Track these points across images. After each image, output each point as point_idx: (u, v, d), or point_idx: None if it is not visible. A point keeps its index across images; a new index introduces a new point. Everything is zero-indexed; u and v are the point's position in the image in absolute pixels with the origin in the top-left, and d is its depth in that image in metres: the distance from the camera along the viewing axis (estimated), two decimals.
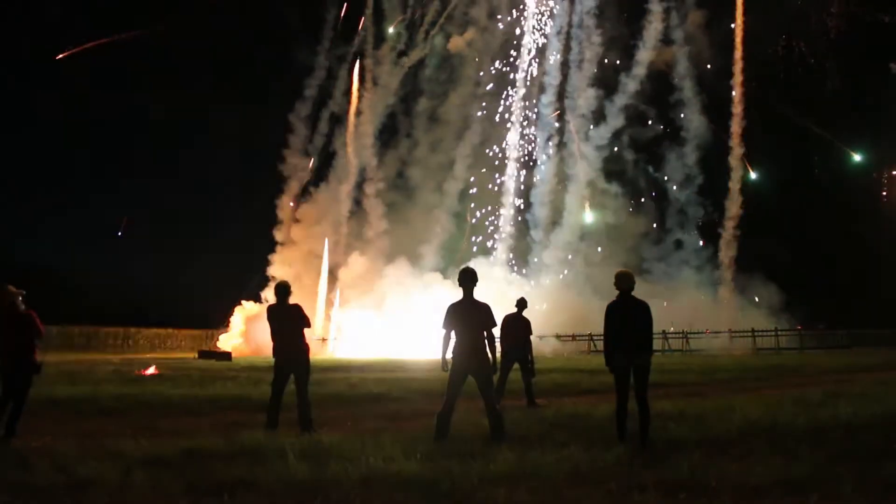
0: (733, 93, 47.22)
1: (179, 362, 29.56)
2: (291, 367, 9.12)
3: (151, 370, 21.56)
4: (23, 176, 56.52)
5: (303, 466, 6.31)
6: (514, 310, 12.51)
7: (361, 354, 41.61)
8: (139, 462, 6.59)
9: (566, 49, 50.77)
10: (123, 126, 58.64)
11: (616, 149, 49.11)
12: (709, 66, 47.93)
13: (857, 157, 47.87)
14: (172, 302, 56.48)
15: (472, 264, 9.80)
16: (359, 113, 53.86)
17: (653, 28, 48.11)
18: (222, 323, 52.55)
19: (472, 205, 52.05)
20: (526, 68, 52.17)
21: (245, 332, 48.82)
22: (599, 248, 47.43)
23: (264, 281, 49.81)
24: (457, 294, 8.32)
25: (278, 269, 50.36)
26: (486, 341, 8.10)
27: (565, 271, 46.67)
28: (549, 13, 51.79)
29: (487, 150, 52.00)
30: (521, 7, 52.55)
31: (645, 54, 48.13)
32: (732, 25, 47.66)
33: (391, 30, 53.48)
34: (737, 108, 46.93)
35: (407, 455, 6.85)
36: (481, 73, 52.58)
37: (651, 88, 48.76)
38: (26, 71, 57.42)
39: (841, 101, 47.14)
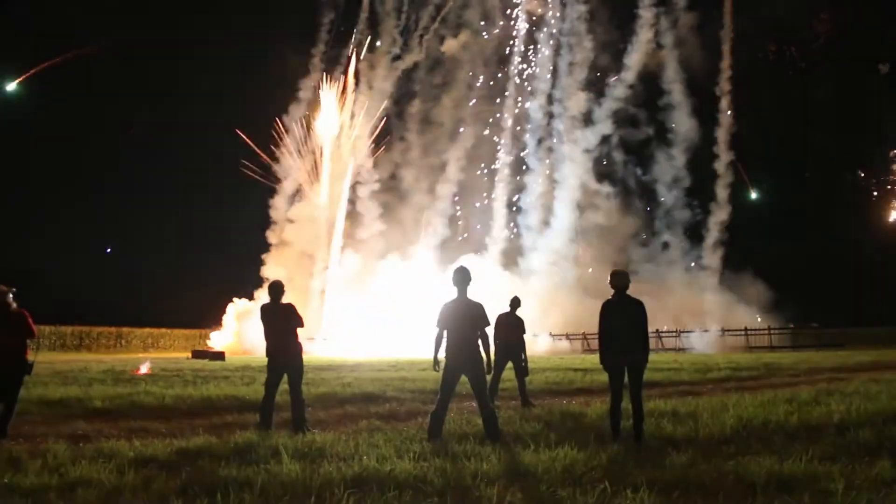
0: (722, 101, 47.70)
1: (173, 362, 29.45)
2: (285, 367, 9.10)
3: (146, 368, 21.46)
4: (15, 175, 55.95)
5: (296, 466, 6.30)
6: (508, 309, 12.50)
7: (351, 354, 41.64)
8: (132, 463, 6.56)
9: (557, 53, 51.25)
10: (119, 125, 58.26)
11: (606, 151, 49.77)
12: (699, 69, 48.33)
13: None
14: (166, 302, 56.29)
15: (464, 263, 9.79)
16: (352, 115, 54.01)
17: (643, 32, 48.58)
18: (216, 323, 52.51)
19: (461, 208, 52.34)
20: (517, 72, 52.66)
21: (237, 331, 48.78)
22: (590, 249, 47.74)
23: (258, 281, 49.98)
24: (450, 293, 8.32)
25: (272, 269, 50.40)
26: (479, 340, 8.10)
27: (556, 271, 46.81)
28: (541, 18, 52.16)
29: (480, 153, 52.45)
30: (514, 11, 52.93)
31: (635, 58, 48.53)
32: (721, 34, 48.07)
33: (378, 43, 53.61)
34: (724, 117, 47.32)
35: (400, 454, 6.85)
36: (472, 76, 52.96)
37: (642, 91, 49.26)
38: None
39: (832, 104, 47.44)
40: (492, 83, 53.47)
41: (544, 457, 6.64)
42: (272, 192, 54.45)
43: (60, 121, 55.46)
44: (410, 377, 17.57)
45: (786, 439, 7.60)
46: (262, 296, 44.49)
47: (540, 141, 51.99)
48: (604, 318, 7.95)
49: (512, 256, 50.28)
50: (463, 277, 8.21)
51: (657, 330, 37.26)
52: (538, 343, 38.42)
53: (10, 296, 8.56)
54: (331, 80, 54.57)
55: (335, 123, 54.30)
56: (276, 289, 9.24)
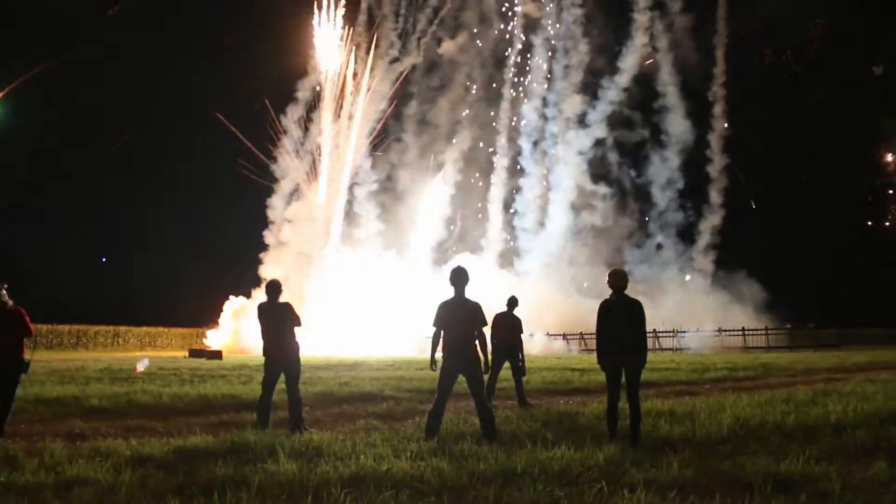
0: (715, 105, 47.96)
1: (170, 361, 29.41)
2: (282, 366, 9.09)
3: (143, 365, 21.39)
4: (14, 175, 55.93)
5: (293, 465, 6.29)
6: (504, 308, 12.50)
7: (350, 352, 41.67)
8: (129, 461, 6.56)
9: (553, 55, 51.78)
10: (115, 124, 58.19)
11: (601, 153, 50.12)
12: (694, 71, 48.76)
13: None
14: (163, 301, 56.22)
15: (460, 263, 9.81)
16: (350, 117, 54.20)
17: (638, 35, 48.98)
18: (213, 322, 52.48)
19: (457, 209, 52.66)
20: (514, 74, 53.19)
21: (234, 330, 48.78)
22: (584, 250, 48.04)
23: (256, 280, 50.03)
24: (447, 292, 8.33)
25: (269, 268, 50.49)
26: (476, 340, 8.10)
27: (551, 271, 47.01)
28: (537, 21, 52.56)
29: (476, 154, 53.03)
30: (511, 14, 53.45)
31: (630, 60, 48.95)
32: (715, 38, 48.42)
33: (375, 45, 53.85)
34: (718, 121, 47.64)
35: (397, 454, 6.85)
36: (469, 78, 53.40)
37: (636, 93, 49.60)
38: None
39: (828, 106, 47.61)
40: (489, 85, 54.03)
41: (541, 457, 6.65)
42: (269, 191, 54.54)
43: (60, 120, 55.45)
44: (408, 376, 17.57)
45: (783, 439, 7.61)
46: (260, 294, 44.74)
47: (535, 143, 52.46)
48: (602, 318, 7.94)
49: (507, 257, 50.63)
50: (460, 277, 8.21)
51: (654, 330, 37.34)
52: (534, 342, 38.52)
53: (4, 292, 8.51)
54: (329, 81, 54.73)
55: (333, 123, 54.47)
56: (274, 288, 9.23)
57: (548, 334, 41.08)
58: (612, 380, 7.87)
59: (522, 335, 12.40)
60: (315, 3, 54.07)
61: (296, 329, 9.20)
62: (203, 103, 54.34)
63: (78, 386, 14.54)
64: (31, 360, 8.66)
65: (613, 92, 48.79)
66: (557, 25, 50.92)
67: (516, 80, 53.23)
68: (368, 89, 54.09)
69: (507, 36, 53.53)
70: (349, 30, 54.58)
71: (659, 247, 48.15)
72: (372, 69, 54.17)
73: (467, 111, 53.07)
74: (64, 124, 55.87)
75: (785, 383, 16.22)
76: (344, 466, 6.24)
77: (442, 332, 8.17)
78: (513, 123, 53.06)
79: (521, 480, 5.86)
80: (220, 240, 57.82)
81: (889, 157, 49.97)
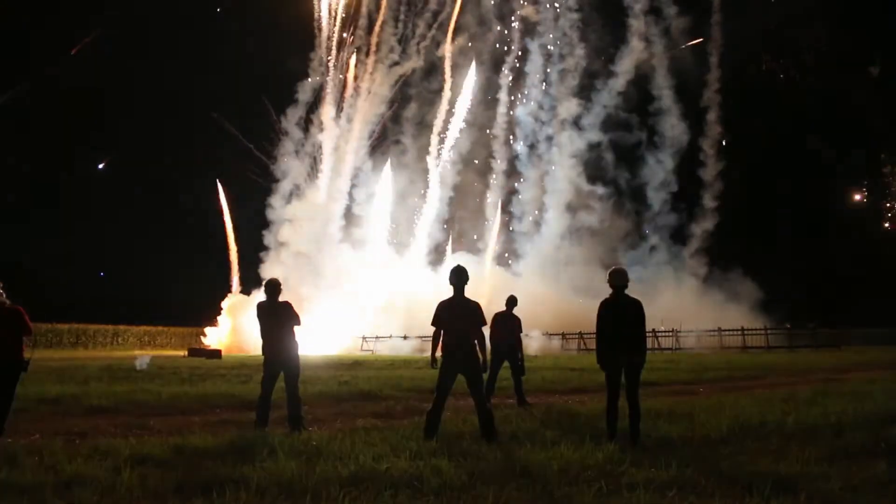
0: (710, 111, 48.41)
1: (169, 360, 29.43)
2: (281, 365, 9.09)
3: (144, 363, 21.36)
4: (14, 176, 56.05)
5: (292, 464, 6.29)
6: (504, 307, 12.51)
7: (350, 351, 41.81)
8: (128, 460, 6.55)
9: (550, 59, 52.29)
10: (115, 123, 58.24)
11: (597, 155, 50.62)
12: (689, 75, 49.10)
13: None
14: (162, 300, 56.28)
15: (459, 262, 9.82)
16: (350, 118, 54.54)
17: (634, 40, 49.39)
18: (212, 322, 52.56)
19: (455, 209, 53.08)
20: (512, 76, 53.80)
21: (233, 328, 48.87)
22: (581, 250, 48.37)
23: (255, 279, 50.25)
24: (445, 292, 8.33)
25: (269, 268, 50.67)
26: (475, 339, 8.10)
27: (547, 271, 47.25)
28: (535, 25, 53.10)
29: (474, 155, 53.67)
30: (509, 18, 54.07)
31: (626, 64, 49.36)
32: (709, 46, 48.75)
33: (376, 48, 54.03)
34: (712, 126, 47.92)
35: (396, 453, 6.85)
36: (468, 81, 53.70)
37: (633, 96, 50.01)
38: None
39: (825, 108, 47.75)
40: (487, 88, 54.61)
41: (541, 456, 6.65)
42: (269, 191, 54.83)
43: (59, 120, 55.56)
44: (407, 375, 17.59)
45: (782, 440, 7.61)
46: (258, 293, 44.92)
47: (532, 145, 53.08)
48: (601, 317, 7.93)
49: (504, 257, 51.04)
50: (460, 276, 8.21)
51: (653, 330, 37.41)
52: (529, 342, 38.56)
53: (0, 290, 8.48)
54: (329, 84, 55.05)
55: (333, 126, 54.72)
56: (273, 287, 9.23)
57: (547, 334, 41.10)
58: (611, 379, 7.87)
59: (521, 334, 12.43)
60: (315, 6, 54.49)
61: (295, 328, 9.20)
62: (203, 103, 54.65)
63: (77, 385, 14.56)
64: (30, 358, 8.64)
65: (609, 95, 49.36)
66: (554, 29, 51.38)
67: (514, 82, 53.92)
68: (369, 92, 54.41)
69: (506, 40, 54.36)
70: (349, 33, 55.02)
71: (653, 248, 48.45)
72: (371, 72, 54.48)
73: (465, 114, 53.59)
74: (65, 124, 56.01)
75: (784, 383, 16.22)
76: (343, 466, 6.24)
77: (442, 332, 8.17)
78: (510, 125, 53.76)
79: (521, 480, 5.86)
80: (220, 239, 57.88)
81: (885, 157, 50.02)
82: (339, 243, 53.03)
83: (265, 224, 54.12)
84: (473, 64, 53.62)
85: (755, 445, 7.34)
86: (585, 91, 50.66)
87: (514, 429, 8.56)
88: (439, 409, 8.05)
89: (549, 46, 51.80)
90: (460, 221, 53.45)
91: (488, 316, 8.85)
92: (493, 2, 53.59)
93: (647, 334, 8.31)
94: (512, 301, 12.59)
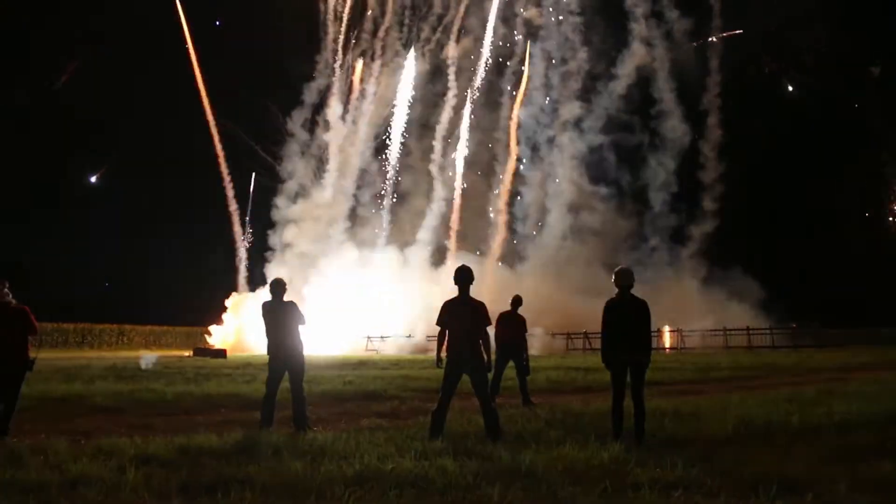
0: (710, 114, 48.65)
1: (174, 359, 29.47)
2: (286, 365, 9.09)
3: (149, 362, 21.39)
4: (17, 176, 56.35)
5: (297, 464, 6.30)
6: (509, 307, 12.49)
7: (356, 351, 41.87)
8: (133, 460, 6.56)
9: (552, 61, 52.70)
10: (119, 123, 58.40)
11: (599, 157, 51.05)
12: (691, 77, 49.43)
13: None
14: (167, 300, 56.45)
15: (462, 262, 9.82)
16: (355, 121, 54.90)
17: (636, 42, 49.86)
18: (217, 321, 52.76)
19: (460, 209, 53.31)
20: (515, 78, 54.40)
21: (238, 328, 49.05)
22: (583, 250, 48.63)
23: (261, 279, 50.61)
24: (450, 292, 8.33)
25: (274, 268, 50.98)
26: (480, 339, 8.10)
27: (550, 271, 47.42)
28: (538, 27, 53.50)
29: (478, 156, 54.12)
30: (512, 21, 54.55)
31: (628, 66, 49.74)
32: (712, 39, 48.96)
33: (381, 51, 54.35)
34: (712, 130, 48.13)
35: (402, 453, 6.84)
36: (472, 82, 54.19)
37: (635, 97, 50.38)
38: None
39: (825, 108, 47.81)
40: (491, 90, 54.99)
41: (545, 456, 6.64)
42: (275, 191, 55.26)
43: (62, 121, 55.79)
44: (412, 375, 17.59)
45: (788, 439, 7.59)
46: (263, 292, 45.12)
47: (535, 146, 53.48)
48: (607, 317, 7.92)
49: (507, 256, 51.26)
50: (465, 276, 8.20)
51: (658, 329, 37.48)
52: (532, 341, 38.60)
53: (6, 290, 8.51)
54: (335, 85, 55.41)
55: (339, 126, 55.02)
56: (278, 286, 9.23)
57: (551, 334, 41.12)
58: (616, 378, 7.86)
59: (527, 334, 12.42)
60: (321, 9, 54.87)
61: (300, 328, 9.21)
62: (212, 104, 55.01)
63: (83, 384, 14.59)
64: (36, 358, 8.67)
65: (612, 97, 49.87)
66: (557, 32, 51.76)
67: (517, 84, 54.46)
68: (374, 94, 54.73)
69: (509, 42, 54.91)
70: (354, 36, 55.45)
71: (654, 249, 48.66)
72: (377, 75, 54.89)
73: (470, 115, 53.97)
74: (70, 125, 56.23)
75: (790, 383, 16.17)
76: (348, 465, 6.24)
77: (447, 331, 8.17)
78: (513, 127, 54.02)
79: (526, 480, 5.85)
80: (225, 239, 58.04)
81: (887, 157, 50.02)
82: (343, 243, 53.24)
83: (271, 224, 54.58)
84: (479, 66, 54.03)
85: (761, 445, 7.32)
86: (588, 93, 51.23)
87: (519, 429, 8.55)
88: (444, 409, 8.04)
89: (551, 49, 52.29)
90: (464, 221, 53.65)
91: (493, 316, 8.84)
92: (496, 5, 53.90)
93: (652, 334, 8.29)
94: (517, 301, 12.58)
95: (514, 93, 53.94)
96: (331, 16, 55.24)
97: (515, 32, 54.25)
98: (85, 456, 6.71)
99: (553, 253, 48.79)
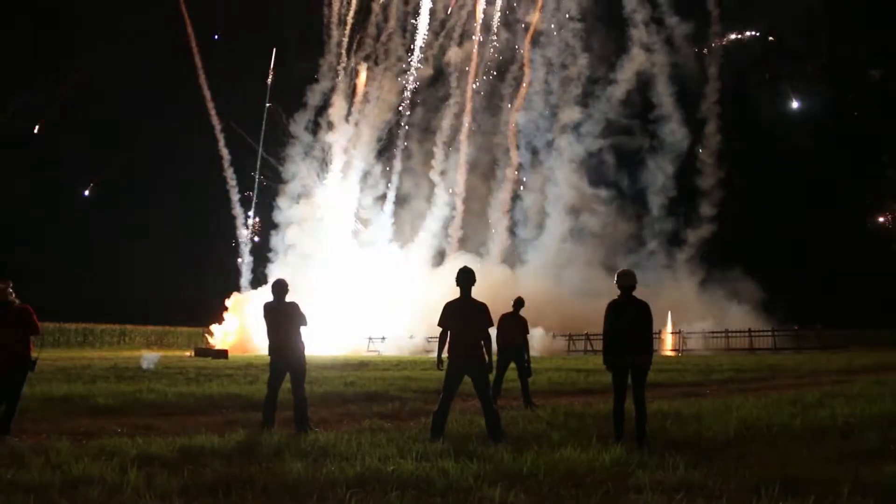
0: (709, 120, 48.94)
1: (176, 360, 29.48)
2: (287, 366, 9.09)
3: (151, 362, 21.38)
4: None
5: (298, 465, 6.29)
6: (511, 309, 12.48)
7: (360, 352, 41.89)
8: (135, 460, 6.56)
9: (553, 66, 53.06)
10: (124, 124, 58.55)
11: (598, 160, 51.35)
12: (691, 81, 49.72)
13: None
14: (169, 300, 56.50)
15: (462, 263, 9.83)
16: (356, 124, 55.26)
17: (635, 47, 50.20)
18: (218, 321, 52.88)
19: (460, 211, 53.51)
20: (516, 83, 54.76)
21: (240, 328, 49.17)
22: (582, 253, 48.86)
23: (262, 279, 50.82)
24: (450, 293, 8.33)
25: (276, 268, 51.26)
26: (482, 340, 8.09)
27: (549, 273, 47.58)
28: (539, 33, 53.81)
29: (479, 159, 54.56)
30: (513, 26, 55.02)
31: (628, 71, 50.06)
32: (714, 44, 49.32)
33: (383, 55, 54.62)
34: (711, 137, 48.41)
35: (403, 454, 6.84)
36: (474, 87, 54.50)
37: (635, 102, 50.74)
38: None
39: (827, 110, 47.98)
40: (492, 94, 55.56)
41: (547, 458, 6.62)
42: (277, 192, 55.66)
43: (63, 123, 56.13)
44: (414, 376, 17.58)
45: (790, 442, 7.57)
46: (263, 291, 45.36)
47: (535, 150, 53.88)
48: (609, 318, 7.92)
49: (507, 257, 51.45)
50: (467, 277, 8.20)
51: (659, 331, 37.50)
52: (532, 341, 38.66)
53: (10, 290, 8.52)
54: (339, 87, 55.77)
55: (342, 127, 55.29)
56: (280, 287, 9.23)
57: (553, 335, 41.15)
58: (618, 380, 7.85)
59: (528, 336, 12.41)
60: (325, 13, 55.22)
61: (302, 328, 9.21)
62: (215, 107, 55.32)
63: (84, 384, 14.59)
64: (38, 358, 8.67)
65: (612, 101, 50.33)
66: (558, 37, 52.13)
67: (518, 88, 54.77)
68: (377, 97, 55.08)
69: (510, 47, 55.46)
70: (357, 40, 55.88)
71: (652, 253, 48.90)
72: (378, 79, 55.22)
73: (470, 118, 54.57)
74: (69, 125, 56.51)
75: (792, 385, 16.13)
76: (349, 467, 6.23)
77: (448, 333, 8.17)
78: (514, 130, 54.47)
79: (527, 481, 5.84)
80: (228, 240, 58.22)
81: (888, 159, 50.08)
82: (345, 244, 53.42)
83: (273, 225, 54.87)
84: (480, 69, 54.34)
85: (763, 447, 7.31)
86: (588, 97, 51.67)
87: (521, 430, 8.55)
88: (445, 411, 8.04)
89: (552, 54, 52.72)
90: (465, 224, 53.91)
91: (495, 317, 8.83)
92: (497, 10, 54.28)
93: (654, 336, 8.28)
94: (519, 303, 12.58)
95: (515, 96, 54.42)
96: (335, 20, 55.76)
97: (516, 37, 54.77)
98: (87, 456, 6.71)
99: (552, 255, 49.02)
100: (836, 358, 28.07)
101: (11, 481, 5.80)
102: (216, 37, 56.32)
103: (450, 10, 54.37)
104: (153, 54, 55.31)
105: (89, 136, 58.13)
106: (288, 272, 47.14)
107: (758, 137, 49.65)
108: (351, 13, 55.38)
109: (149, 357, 22.34)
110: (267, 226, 56.07)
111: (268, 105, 56.02)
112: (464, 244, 52.43)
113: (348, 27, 55.50)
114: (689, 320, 41.51)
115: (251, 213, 58.77)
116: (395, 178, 54.94)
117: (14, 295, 8.57)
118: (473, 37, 54.42)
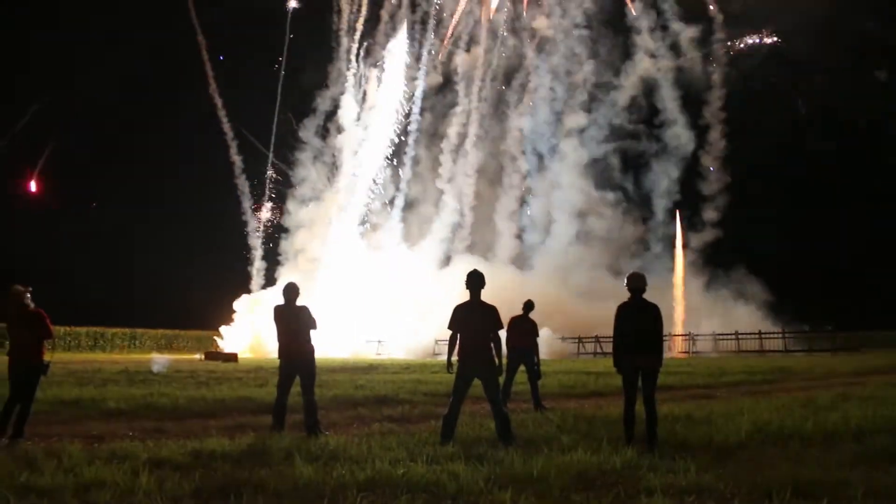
0: (714, 126, 49.07)
1: (186, 363, 29.58)
2: (297, 369, 9.11)
3: (161, 365, 21.46)
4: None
5: (309, 468, 6.30)
6: (521, 312, 12.47)
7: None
8: (146, 464, 6.59)
9: (559, 72, 53.47)
10: (131, 127, 58.90)
11: (604, 165, 51.84)
12: (697, 87, 50.11)
13: None
14: (179, 303, 56.71)
15: (468, 266, 9.84)
16: (366, 127, 55.56)
17: (641, 52, 50.75)
18: (227, 322, 53.16)
19: (468, 215, 53.85)
20: (523, 88, 55.19)
21: (250, 329, 49.40)
22: (588, 256, 48.93)
23: (271, 282, 51.11)
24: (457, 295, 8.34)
25: (285, 272, 51.56)
26: (492, 343, 8.09)
27: (556, 276, 47.64)
28: (545, 39, 54.15)
29: (486, 164, 55.10)
30: (520, 33, 55.30)
31: (634, 76, 50.67)
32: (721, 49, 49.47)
33: (393, 60, 54.83)
34: (715, 144, 48.49)
35: (413, 457, 6.84)
36: (481, 92, 54.86)
37: (640, 107, 51.20)
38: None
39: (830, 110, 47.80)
40: (499, 99, 55.99)
41: (557, 461, 6.61)
42: (286, 196, 56.12)
43: (67, 126, 56.55)
44: (423, 379, 17.58)
45: (802, 445, 7.52)
46: (270, 293, 45.61)
47: (541, 156, 54.27)
48: (619, 321, 7.90)
49: (515, 260, 51.62)
50: (476, 281, 8.20)
51: (669, 333, 37.44)
52: (541, 344, 38.68)
53: (28, 296, 8.63)
54: (347, 94, 56.25)
55: (351, 134, 55.64)
56: (291, 291, 9.25)
57: (562, 338, 41.10)
58: (628, 383, 7.83)
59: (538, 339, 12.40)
60: (335, 20, 55.67)
61: (311, 332, 9.22)
62: (224, 108, 55.75)
63: (96, 388, 14.67)
64: (50, 362, 8.73)
65: (617, 107, 50.87)
66: (565, 42, 52.40)
67: (525, 92, 55.15)
68: (385, 103, 55.41)
69: (518, 52, 55.74)
70: (365, 46, 56.33)
71: (657, 256, 49.01)
72: (387, 85, 55.50)
73: (478, 123, 54.80)
74: (88, 129, 57.06)
75: (803, 387, 16.04)
76: (360, 470, 6.23)
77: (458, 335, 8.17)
78: (521, 135, 54.86)
79: (538, 485, 5.83)
80: (238, 244, 58.51)
81: None
82: (354, 247, 53.61)
83: (283, 228, 55.27)
84: (485, 74, 54.64)
85: (774, 451, 7.27)
86: (593, 102, 52.21)
87: (531, 433, 8.53)
88: (455, 414, 8.03)
89: (558, 60, 53.07)
90: (472, 227, 54.09)
91: (504, 320, 8.83)
92: (505, 17, 54.66)
93: (664, 338, 8.26)
94: (529, 305, 12.56)
95: (522, 102, 54.65)
96: (344, 27, 56.34)
97: (523, 44, 55.06)
98: (98, 460, 6.74)
99: (559, 257, 49.17)
100: (848, 360, 27.91)
101: (25, 484, 5.83)
102: (221, 58, 56.78)
103: (457, 17, 54.67)
104: (164, 63, 55.86)
105: (99, 142, 58.65)
106: (297, 275, 47.34)
107: (763, 139, 49.64)
108: (360, 21, 55.93)
109: (159, 360, 22.43)
110: (277, 229, 56.46)
111: (277, 112, 56.33)
112: (472, 249, 52.62)
113: (357, 34, 56.03)
114: (695, 322, 41.48)
115: (261, 216, 59.10)
116: (403, 183, 55.26)
117: (30, 297, 8.66)
118: (480, 44, 54.86)
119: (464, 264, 35.85)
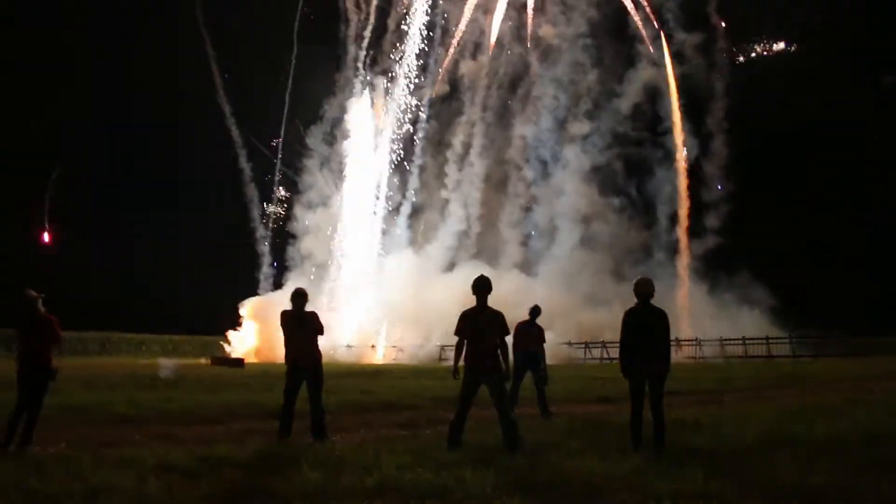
0: (716, 135, 49.04)
1: (193, 369, 29.61)
2: (304, 374, 9.12)
3: (171, 369, 21.50)
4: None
5: (316, 474, 6.30)
6: (527, 317, 12.47)
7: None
8: (154, 469, 6.60)
9: (562, 79, 53.53)
10: (139, 131, 59.22)
11: (607, 173, 51.74)
12: (700, 94, 49.93)
13: None
14: (186, 309, 56.82)
15: (473, 271, 9.87)
16: (375, 133, 56.06)
17: (644, 60, 51.00)
18: (234, 327, 53.43)
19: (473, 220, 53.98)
20: (527, 96, 55.32)
21: (257, 333, 49.56)
22: (592, 262, 49.05)
23: (279, 287, 51.35)
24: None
25: (292, 277, 51.86)
26: (498, 349, 8.08)
27: (561, 281, 47.72)
28: (550, 47, 54.21)
29: (492, 171, 54.92)
30: (523, 39, 55.26)
31: (637, 84, 50.75)
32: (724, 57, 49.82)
33: (399, 68, 55.25)
34: (718, 151, 48.60)
35: (420, 463, 6.83)
36: (486, 100, 55.32)
37: (644, 115, 51.19)
38: None
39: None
40: (504, 106, 56.11)
41: (564, 467, 6.60)
42: (293, 202, 56.55)
43: (70, 131, 57.02)
44: (430, 385, 17.57)
45: (811, 451, 7.48)
46: (277, 295, 45.75)
47: (545, 163, 54.24)
48: (626, 327, 7.88)
49: (520, 266, 51.64)
50: (483, 286, 8.20)
51: (676, 339, 37.33)
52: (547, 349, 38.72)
53: (40, 302, 8.67)
54: (355, 101, 56.55)
55: (358, 141, 55.92)
56: (300, 296, 9.27)
57: (569, 343, 41.04)
58: (635, 389, 7.81)
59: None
60: (342, 28, 56.16)
61: (319, 338, 9.24)
62: (231, 115, 56.27)
63: (103, 393, 14.70)
64: (58, 367, 8.76)
65: (620, 114, 50.91)
66: (569, 48, 52.65)
67: (528, 102, 55.32)
68: (392, 110, 55.92)
69: (523, 59, 55.76)
70: (372, 55, 56.92)
71: (660, 263, 48.97)
72: (395, 91, 55.99)
73: (483, 130, 55.12)
74: (75, 132, 57.54)
75: (812, 393, 15.96)
76: (367, 476, 6.23)
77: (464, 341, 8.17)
78: (525, 141, 54.88)
79: (545, 491, 5.82)
80: (245, 249, 58.75)
81: None
82: (360, 253, 53.82)
83: (290, 235, 55.61)
84: (490, 82, 55.07)
85: (783, 457, 7.22)
86: (597, 109, 52.14)
87: (538, 439, 8.51)
88: (462, 419, 8.02)
89: (563, 67, 53.28)
90: (477, 231, 54.20)
91: (511, 326, 8.83)
92: (509, 25, 54.94)
93: (671, 344, 8.24)
94: (535, 311, 12.55)
95: (526, 110, 54.92)
96: (352, 36, 56.81)
97: (527, 52, 55.29)
98: (107, 465, 6.76)
99: (564, 263, 49.26)
100: (857, 365, 27.74)
101: (33, 490, 5.85)
102: (227, 76, 57.32)
103: (462, 26, 54.97)
104: (172, 70, 56.21)
105: (103, 147, 59.02)
106: (304, 281, 47.48)
107: (765, 142, 49.65)
108: (368, 29, 56.40)
109: (167, 365, 22.47)
110: (284, 235, 56.78)
111: (284, 120, 56.81)
112: (478, 255, 52.71)
113: (365, 42, 56.48)
114: (700, 327, 41.42)
115: (269, 223, 59.49)
116: (410, 190, 55.55)
117: (41, 301, 8.70)
118: (485, 53, 55.21)
119: (470, 270, 35.94)
